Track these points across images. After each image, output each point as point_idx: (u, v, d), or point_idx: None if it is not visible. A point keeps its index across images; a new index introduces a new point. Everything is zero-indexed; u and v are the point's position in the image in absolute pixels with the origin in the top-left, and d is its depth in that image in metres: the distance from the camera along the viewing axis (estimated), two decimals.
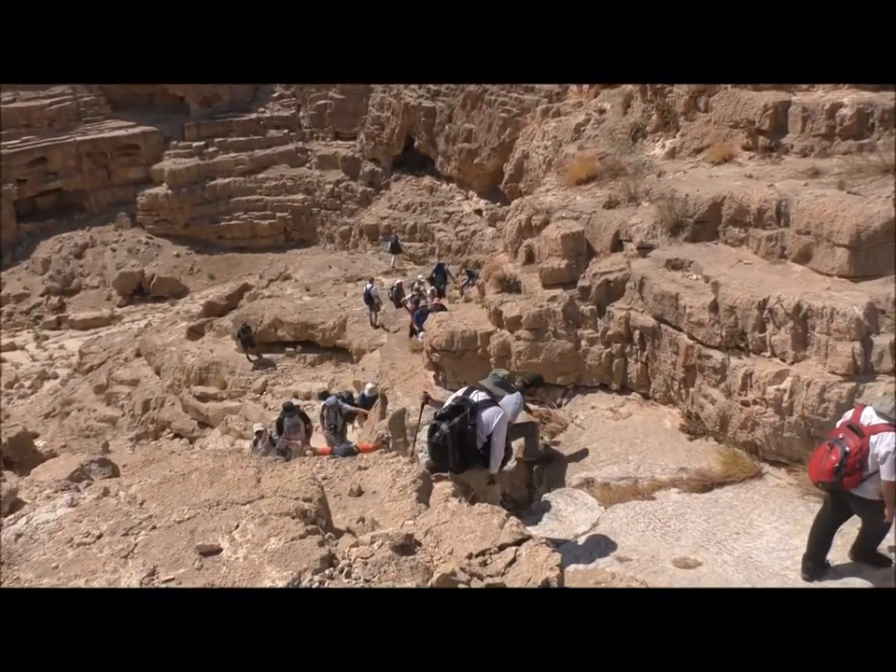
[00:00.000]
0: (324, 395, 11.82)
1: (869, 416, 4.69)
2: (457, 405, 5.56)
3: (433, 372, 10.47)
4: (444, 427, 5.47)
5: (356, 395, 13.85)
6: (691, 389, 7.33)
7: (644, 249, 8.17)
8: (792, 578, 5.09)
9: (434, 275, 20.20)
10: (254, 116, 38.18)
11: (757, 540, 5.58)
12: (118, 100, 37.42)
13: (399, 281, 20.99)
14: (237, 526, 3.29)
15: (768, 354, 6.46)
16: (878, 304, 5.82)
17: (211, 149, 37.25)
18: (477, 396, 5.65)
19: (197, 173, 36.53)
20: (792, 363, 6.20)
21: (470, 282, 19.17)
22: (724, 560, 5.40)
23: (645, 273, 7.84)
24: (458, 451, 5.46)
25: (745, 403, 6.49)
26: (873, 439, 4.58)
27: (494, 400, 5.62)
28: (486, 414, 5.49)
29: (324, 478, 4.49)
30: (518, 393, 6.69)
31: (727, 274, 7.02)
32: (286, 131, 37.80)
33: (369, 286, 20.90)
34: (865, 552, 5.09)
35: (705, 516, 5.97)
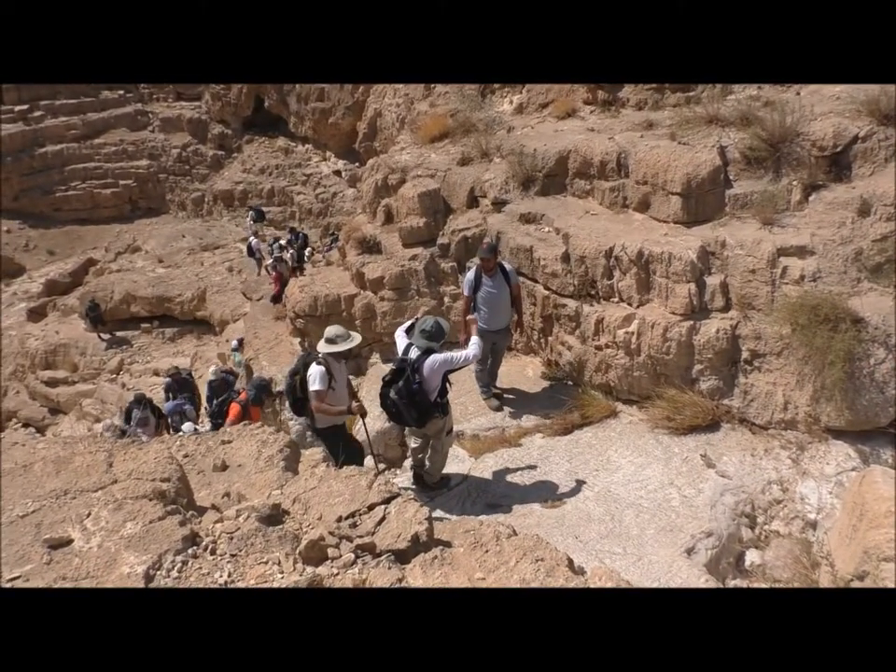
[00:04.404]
0: (175, 373, 11.26)
1: None
2: (399, 367, 5.66)
3: (298, 339, 10.31)
4: (392, 393, 5.62)
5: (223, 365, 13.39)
6: (549, 338, 7.64)
7: (498, 204, 8.34)
8: (646, 506, 5.49)
9: (291, 242, 19.65)
10: None
11: (614, 475, 5.95)
12: None
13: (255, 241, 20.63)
14: (89, 515, 3.11)
15: (616, 299, 6.83)
16: (709, 247, 6.25)
17: (37, 114, 33.89)
18: (414, 352, 5.69)
19: (23, 140, 33.14)
20: (638, 307, 6.58)
21: (333, 245, 18.78)
22: (586, 496, 5.73)
23: (501, 228, 8.02)
24: (414, 409, 5.62)
25: (598, 347, 6.85)
26: None
27: (431, 349, 5.66)
28: (426, 368, 5.59)
29: (184, 455, 4.31)
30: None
31: (576, 226, 7.30)
32: (121, 92, 34.99)
33: (252, 239, 20.72)
34: None
35: (567, 457, 6.28)
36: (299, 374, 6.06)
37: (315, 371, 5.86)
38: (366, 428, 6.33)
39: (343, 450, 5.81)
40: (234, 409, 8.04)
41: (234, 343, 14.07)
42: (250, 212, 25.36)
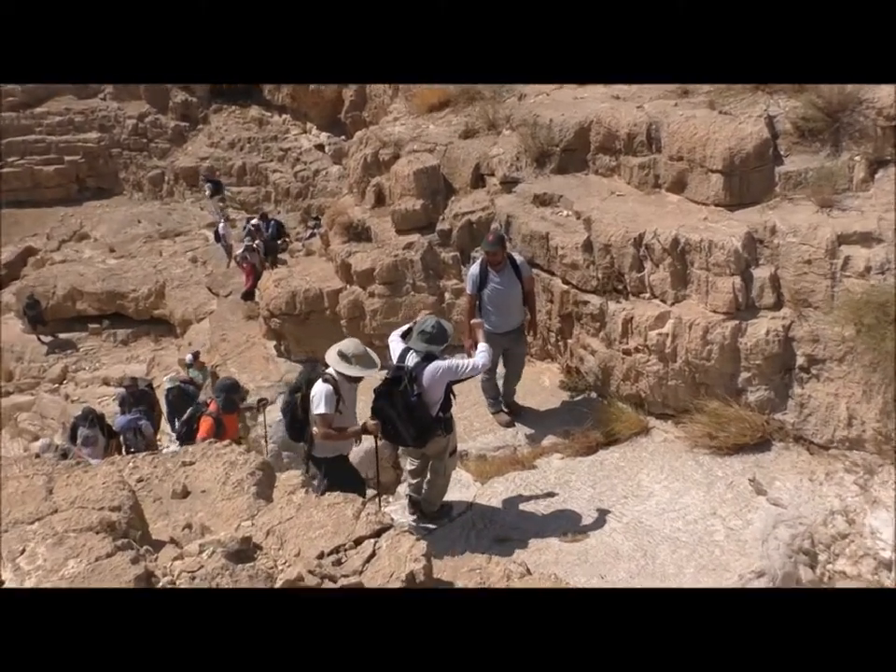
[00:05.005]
0: (130, 385, 11.36)
1: None
2: (394, 377, 5.58)
3: (273, 342, 10.30)
4: (387, 407, 5.56)
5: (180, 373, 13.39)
6: (569, 341, 7.63)
7: (508, 184, 8.35)
8: (685, 540, 5.46)
9: (259, 227, 19.32)
10: None
11: (646, 503, 5.93)
12: None
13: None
14: (23, 551, 3.07)
15: (647, 295, 6.81)
16: (756, 234, 6.22)
17: None
18: (412, 358, 5.64)
19: None
20: (673, 304, 6.56)
21: (315, 231, 18.72)
22: (613, 528, 5.71)
23: (511, 211, 8.02)
24: (412, 426, 5.55)
25: (626, 352, 6.82)
26: None
27: (432, 355, 5.62)
28: (426, 377, 5.54)
29: (138, 480, 4.29)
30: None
31: (600, 209, 7.29)
32: None
33: (221, 224, 20.87)
34: None
35: (590, 482, 6.27)
36: (300, 392, 5.85)
37: (320, 391, 5.58)
38: (377, 449, 6.16)
39: (347, 482, 5.57)
40: (206, 423, 7.81)
41: (188, 357, 13.63)
42: (207, 184, 25.23)
